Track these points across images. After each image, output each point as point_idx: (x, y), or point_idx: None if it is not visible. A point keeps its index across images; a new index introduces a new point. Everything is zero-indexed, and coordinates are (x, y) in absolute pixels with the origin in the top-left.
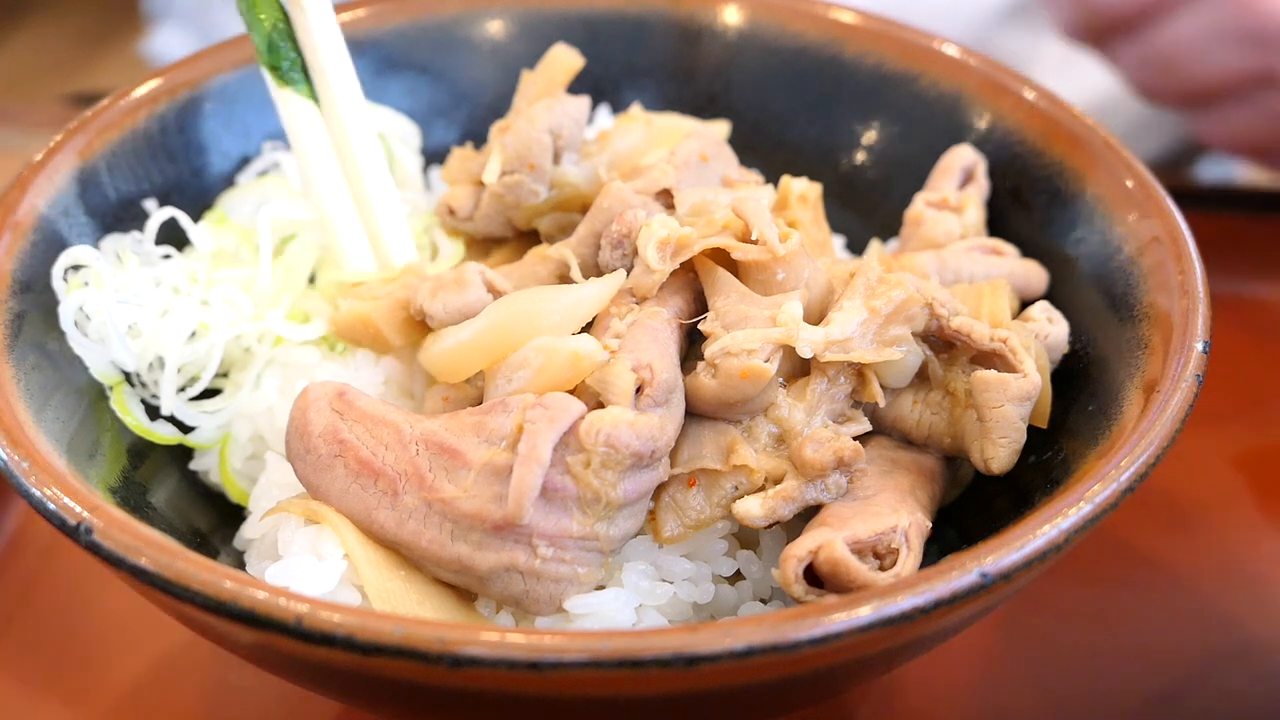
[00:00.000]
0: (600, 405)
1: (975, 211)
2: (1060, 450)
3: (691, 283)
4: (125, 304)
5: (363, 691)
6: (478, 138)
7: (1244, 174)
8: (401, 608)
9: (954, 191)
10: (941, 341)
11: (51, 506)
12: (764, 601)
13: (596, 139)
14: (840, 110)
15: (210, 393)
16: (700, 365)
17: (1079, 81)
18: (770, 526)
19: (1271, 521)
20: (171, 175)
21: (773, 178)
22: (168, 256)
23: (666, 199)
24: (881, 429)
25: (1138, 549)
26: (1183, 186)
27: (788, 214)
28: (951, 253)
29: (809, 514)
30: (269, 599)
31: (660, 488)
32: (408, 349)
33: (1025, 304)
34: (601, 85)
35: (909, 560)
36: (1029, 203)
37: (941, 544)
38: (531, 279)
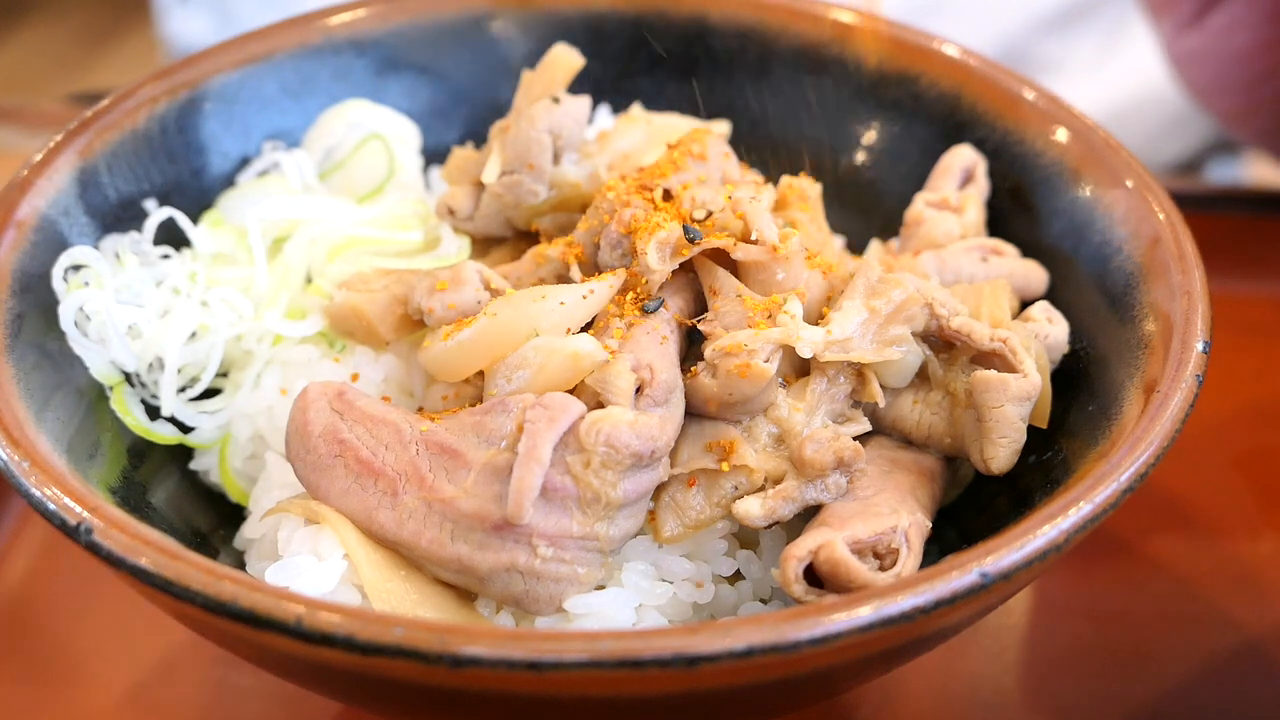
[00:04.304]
0: (600, 405)
1: (975, 211)
2: (1060, 450)
3: (691, 283)
4: (125, 304)
5: (363, 691)
6: (478, 138)
7: (1250, 174)
8: (401, 608)
9: (954, 191)
10: (941, 341)
11: (51, 506)
12: (764, 601)
13: (596, 139)
14: (840, 110)
15: (210, 392)
16: (700, 365)
17: (1109, 85)
18: (770, 526)
19: (1271, 521)
20: (171, 175)
21: (773, 178)
22: (166, 257)
23: (666, 199)
24: (881, 429)
25: (1138, 549)
26: (1183, 187)
27: (788, 214)
28: (951, 253)
29: (809, 514)
30: (269, 599)
31: (660, 488)
32: (406, 346)
33: (1025, 304)
34: (601, 85)
35: (909, 560)
36: (1029, 203)
37: (941, 544)
38: (531, 278)
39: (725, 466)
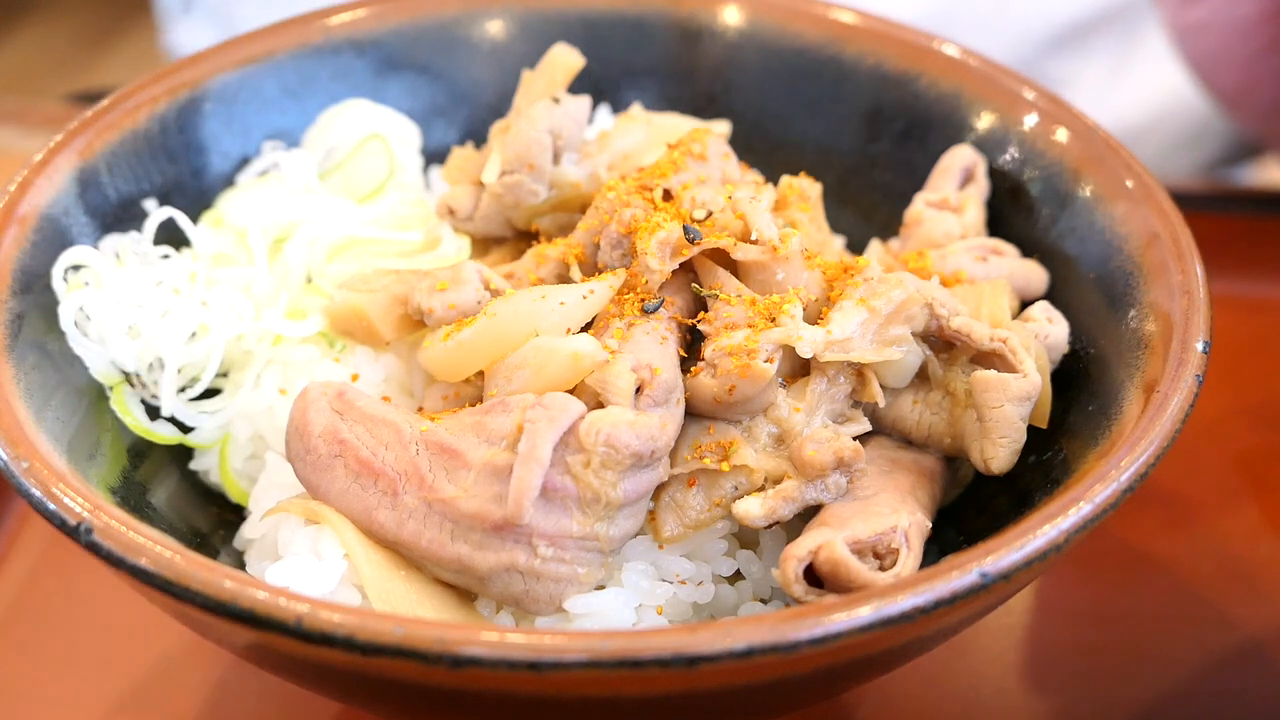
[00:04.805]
0: (600, 405)
1: (975, 211)
2: (1060, 450)
3: (691, 282)
4: (125, 304)
5: (363, 691)
6: (478, 138)
7: (1257, 181)
8: (401, 608)
9: (954, 191)
10: (941, 341)
11: (51, 506)
12: (764, 601)
13: (596, 139)
14: (840, 110)
15: (210, 392)
16: (700, 365)
17: (1122, 102)
18: (770, 526)
19: (1271, 521)
20: (171, 175)
21: (773, 178)
22: (166, 257)
23: (666, 199)
24: (881, 429)
25: (1138, 549)
26: (1184, 187)
27: (788, 214)
28: (951, 253)
29: (809, 514)
30: (269, 599)
31: (660, 488)
32: (406, 346)
33: (1025, 304)
34: (601, 85)
35: (909, 560)
36: (1029, 203)
37: (941, 544)
38: (531, 278)
39: (725, 466)
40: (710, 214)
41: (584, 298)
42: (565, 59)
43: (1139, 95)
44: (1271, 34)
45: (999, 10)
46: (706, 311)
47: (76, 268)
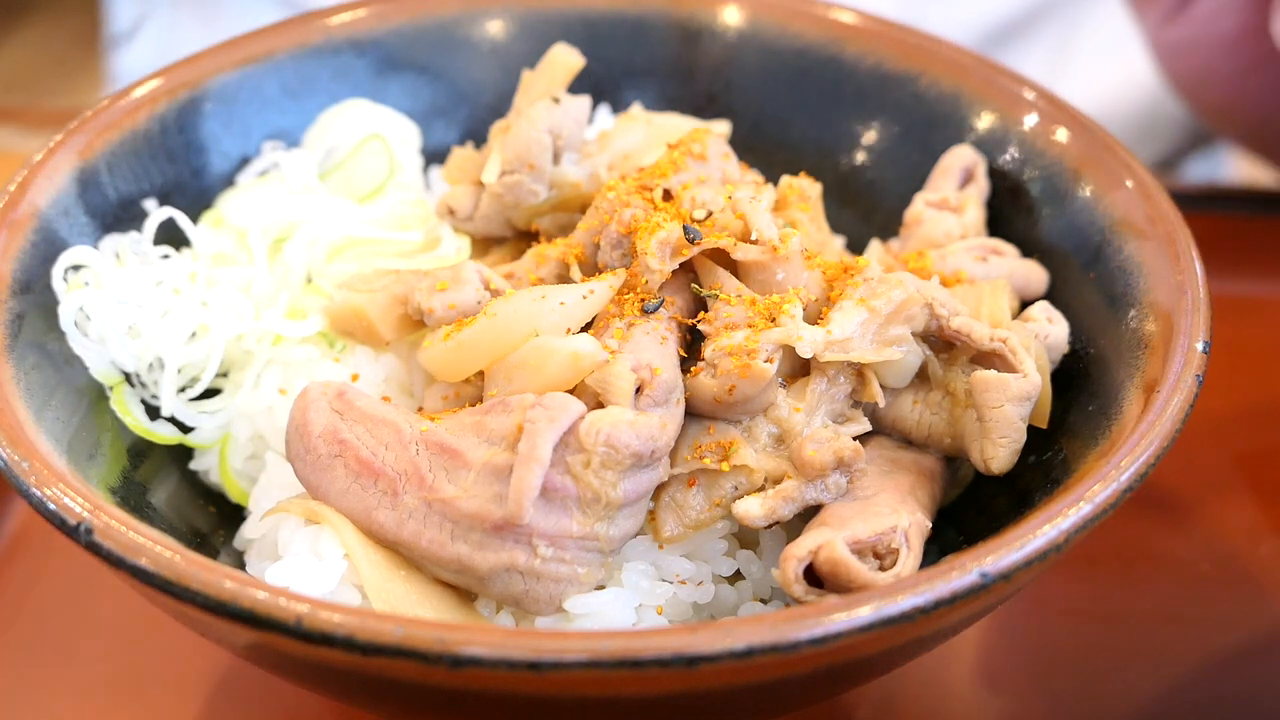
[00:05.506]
0: (600, 405)
1: (975, 211)
2: (1060, 450)
3: (691, 282)
4: (125, 304)
5: (363, 691)
6: (478, 138)
7: (1232, 173)
8: (401, 608)
9: (954, 191)
10: (941, 341)
11: (51, 506)
12: (764, 601)
13: (596, 139)
14: (840, 110)
15: (210, 392)
16: (700, 365)
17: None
18: (770, 526)
19: (1271, 521)
20: (171, 175)
21: (773, 178)
22: (166, 257)
23: (666, 199)
24: (881, 429)
25: (1138, 549)
26: (1183, 186)
27: (788, 214)
28: (951, 253)
29: (809, 514)
30: (269, 599)
31: (660, 488)
32: (406, 346)
33: (1025, 304)
34: (601, 85)
35: (909, 560)
36: (1029, 203)
37: (941, 544)
38: (531, 278)
39: (725, 466)
40: (710, 214)
41: (584, 298)
42: (565, 59)
43: (1079, 92)
44: (1255, 51)
45: (922, 11)
46: (706, 311)
47: (76, 268)
